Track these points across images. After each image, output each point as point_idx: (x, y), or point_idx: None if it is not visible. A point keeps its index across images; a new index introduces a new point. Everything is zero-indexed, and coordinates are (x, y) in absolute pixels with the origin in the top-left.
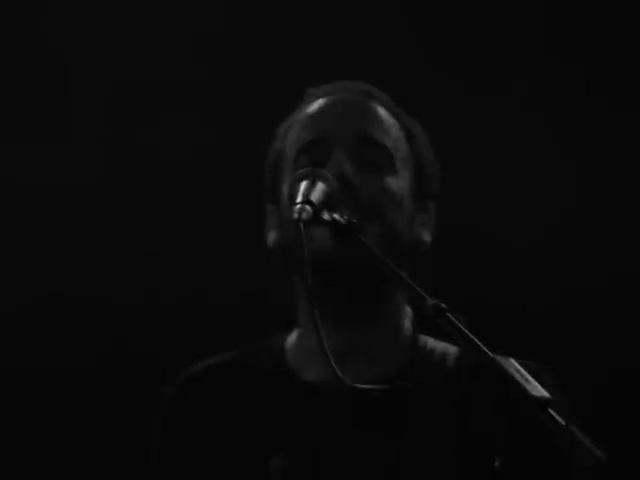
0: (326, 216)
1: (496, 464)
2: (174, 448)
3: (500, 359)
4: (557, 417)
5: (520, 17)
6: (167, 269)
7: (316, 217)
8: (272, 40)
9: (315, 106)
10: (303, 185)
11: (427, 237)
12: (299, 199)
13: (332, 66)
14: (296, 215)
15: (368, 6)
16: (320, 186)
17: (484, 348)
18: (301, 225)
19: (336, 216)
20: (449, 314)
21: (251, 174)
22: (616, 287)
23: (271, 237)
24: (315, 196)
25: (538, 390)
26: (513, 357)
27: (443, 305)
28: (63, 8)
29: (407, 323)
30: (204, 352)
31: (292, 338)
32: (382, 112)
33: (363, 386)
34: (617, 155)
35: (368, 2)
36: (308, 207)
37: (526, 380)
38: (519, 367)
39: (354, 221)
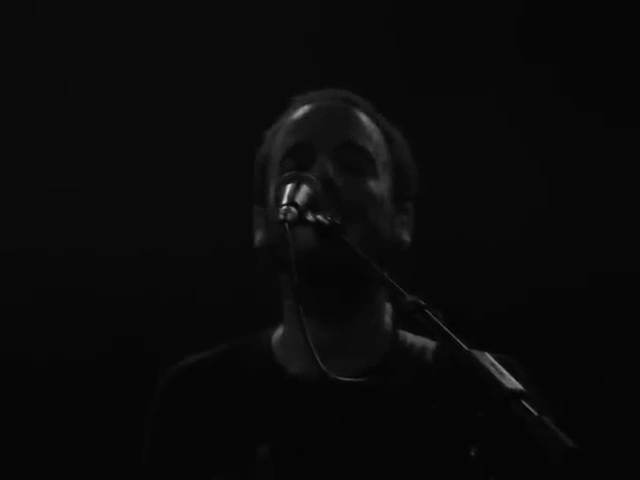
0: (310, 217)
1: (472, 454)
2: (165, 440)
3: (476, 353)
4: (530, 408)
5: (489, 18)
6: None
7: (301, 218)
8: (257, 50)
9: (300, 112)
10: (288, 188)
11: (407, 237)
12: (284, 201)
13: (314, 74)
14: (281, 216)
15: (345, 11)
16: (304, 189)
17: (460, 343)
18: (286, 225)
19: (320, 217)
20: (427, 310)
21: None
22: (593, 287)
23: (258, 237)
24: (300, 198)
25: (512, 383)
26: (488, 352)
27: (422, 302)
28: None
29: (387, 319)
30: (196, 349)
31: (278, 333)
32: (364, 118)
33: (345, 379)
34: (586, 154)
35: (346, 7)
36: (293, 208)
37: (500, 373)
38: (494, 361)
39: (337, 222)
